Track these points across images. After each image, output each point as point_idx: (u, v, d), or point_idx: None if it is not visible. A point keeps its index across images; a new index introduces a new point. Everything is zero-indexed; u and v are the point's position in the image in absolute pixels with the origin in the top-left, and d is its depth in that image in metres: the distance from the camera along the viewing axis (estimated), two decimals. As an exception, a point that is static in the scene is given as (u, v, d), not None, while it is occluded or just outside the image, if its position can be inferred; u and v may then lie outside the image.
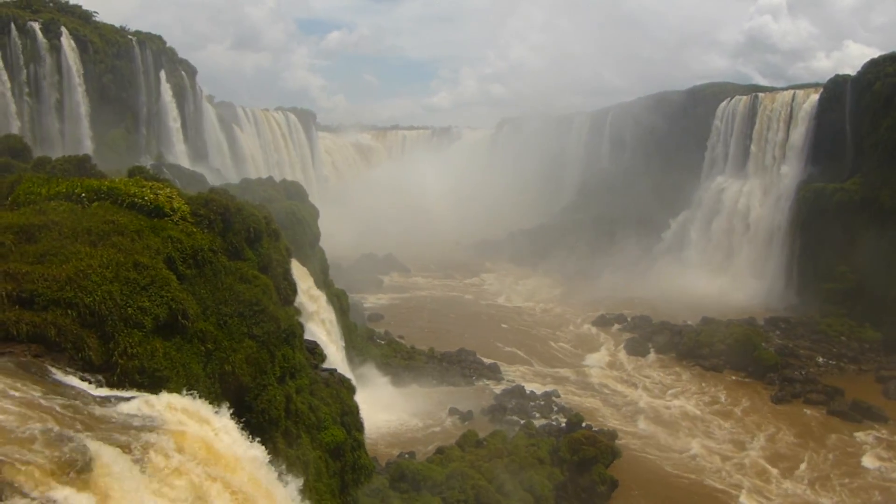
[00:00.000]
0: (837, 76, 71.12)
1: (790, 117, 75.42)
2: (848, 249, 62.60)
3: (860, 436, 42.03)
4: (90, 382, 12.53)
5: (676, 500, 35.05)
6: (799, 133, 73.43)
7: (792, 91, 78.60)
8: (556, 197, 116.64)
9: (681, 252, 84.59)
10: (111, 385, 13.02)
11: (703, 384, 50.97)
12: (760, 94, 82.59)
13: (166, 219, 17.85)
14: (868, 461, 38.89)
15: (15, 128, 51.79)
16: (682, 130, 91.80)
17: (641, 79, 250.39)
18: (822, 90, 72.28)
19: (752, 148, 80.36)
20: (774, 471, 37.85)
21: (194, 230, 18.57)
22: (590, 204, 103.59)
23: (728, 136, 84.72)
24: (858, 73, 67.50)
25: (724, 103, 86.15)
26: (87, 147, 57.08)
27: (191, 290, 17.22)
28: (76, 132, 60.27)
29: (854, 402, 45.54)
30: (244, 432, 13.90)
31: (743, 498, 35.18)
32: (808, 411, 45.95)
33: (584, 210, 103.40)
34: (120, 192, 17.38)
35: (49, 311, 12.54)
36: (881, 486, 36.32)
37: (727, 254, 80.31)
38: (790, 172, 73.74)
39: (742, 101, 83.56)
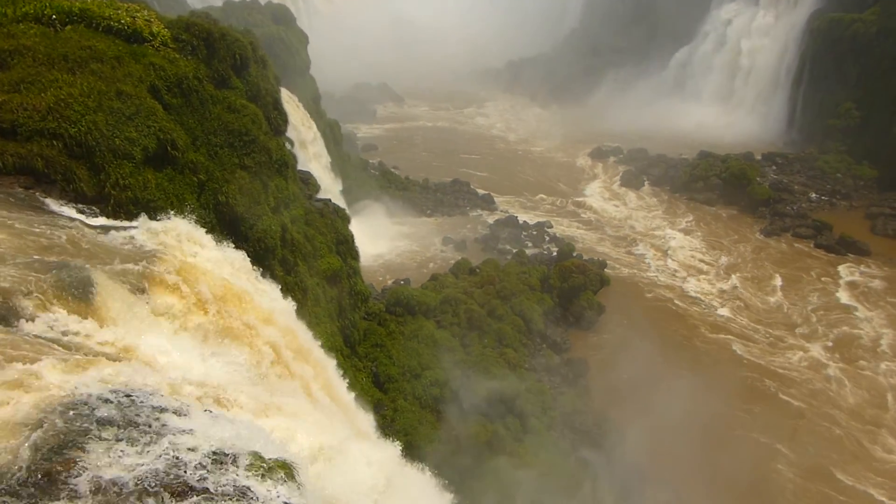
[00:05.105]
0: None
1: (810, -63, 69.63)
2: (857, 85, 60.43)
3: (842, 269, 43.58)
4: (85, 213, 12.71)
5: (659, 323, 37.08)
6: (818, -45, 68.16)
7: None
8: (557, 26, 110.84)
9: (683, 85, 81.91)
10: (106, 216, 13.20)
11: (695, 216, 51.83)
12: None
13: (146, 44, 17.05)
14: (844, 292, 40.83)
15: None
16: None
17: None
18: None
19: (767, -28, 75.12)
20: (754, 294, 39.93)
21: (177, 57, 17.85)
22: (592, 34, 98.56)
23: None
24: None
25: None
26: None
27: (178, 120, 16.91)
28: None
29: (841, 236, 46.58)
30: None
31: (722, 312, 38.06)
32: (796, 244, 47.24)
33: (587, 40, 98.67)
34: (94, 15, 16.42)
35: (34, 143, 12.37)
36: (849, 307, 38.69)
37: (731, 88, 77.81)
38: (805, 1, 69.59)
39: (762, -84, 76.70)
